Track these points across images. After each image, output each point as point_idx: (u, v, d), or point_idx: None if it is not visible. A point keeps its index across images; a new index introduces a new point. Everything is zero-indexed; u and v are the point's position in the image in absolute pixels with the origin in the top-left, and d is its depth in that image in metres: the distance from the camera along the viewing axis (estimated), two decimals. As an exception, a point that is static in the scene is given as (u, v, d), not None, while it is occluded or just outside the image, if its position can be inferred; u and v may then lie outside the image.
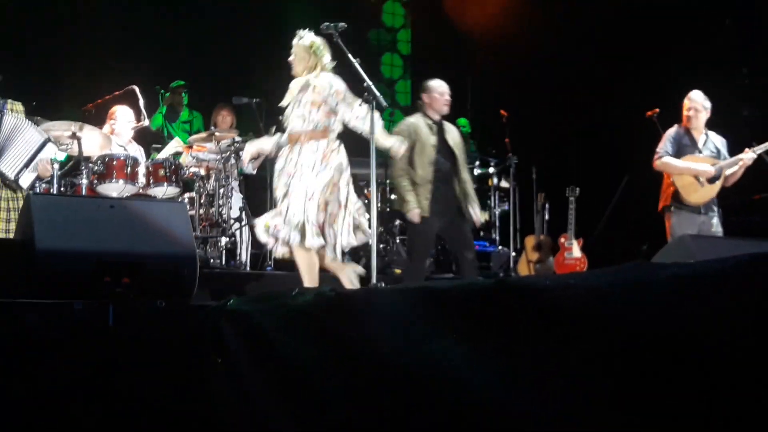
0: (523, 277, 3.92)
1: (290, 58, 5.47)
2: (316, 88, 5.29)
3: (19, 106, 5.76)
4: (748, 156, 6.37)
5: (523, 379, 2.23)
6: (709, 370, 1.81)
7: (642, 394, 1.91)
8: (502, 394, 2.27)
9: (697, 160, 6.48)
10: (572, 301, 2.08)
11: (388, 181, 8.27)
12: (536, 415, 2.18)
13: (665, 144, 6.54)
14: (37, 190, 5.95)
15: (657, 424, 1.90)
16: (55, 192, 5.99)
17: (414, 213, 6.20)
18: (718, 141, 6.61)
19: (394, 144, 5.54)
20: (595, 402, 2.01)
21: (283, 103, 5.41)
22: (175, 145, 7.64)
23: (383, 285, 4.89)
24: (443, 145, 6.40)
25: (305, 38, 5.43)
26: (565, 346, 2.14)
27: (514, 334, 2.29)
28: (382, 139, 5.47)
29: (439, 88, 6.48)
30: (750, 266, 1.85)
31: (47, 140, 5.70)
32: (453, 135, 6.52)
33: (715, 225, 6.52)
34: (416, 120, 6.44)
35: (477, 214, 6.45)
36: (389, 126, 9.16)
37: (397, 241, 8.50)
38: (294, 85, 5.41)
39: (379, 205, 7.99)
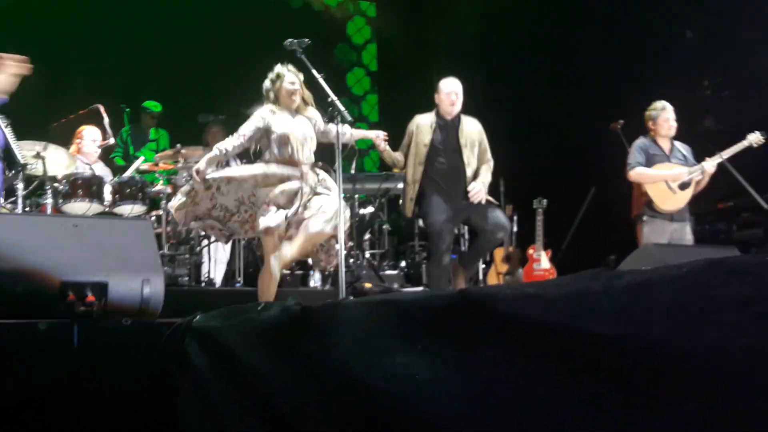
0: (484, 287, 3.92)
1: (299, 89, 5.58)
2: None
3: None
4: (709, 165, 6.49)
5: (487, 390, 2.24)
6: (667, 377, 1.83)
7: (603, 401, 1.93)
8: (466, 405, 2.28)
9: (669, 168, 6.58)
10: (532, 310, 2.10)
11: (357, 196, 8.30)
12: (501, 425, 2.19)
13: (635, 154, 6.64)
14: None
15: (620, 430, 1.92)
16: (19, 211, 5.94)
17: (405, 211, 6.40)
18: (683, 149, 6.75)
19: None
20: (556, 411, 2.03)
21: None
22: (139, 163, 7.63)
23: (351, 299, 4.90)
24: (449, 145, 6.27)
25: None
26: (526, 355, 2.15)
27: (477, 344, 2.30)
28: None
29: (444, 88, 6.37)
30: (705, 272, 1.87)
31: None
32: (466, 133, 6.33)
33: (687, 233, 6.62)
34: (423, 119, 6.38)
35: (475, 188, 6.15)
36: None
37: (367, 255, 8.50)
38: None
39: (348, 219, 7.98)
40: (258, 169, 5.41)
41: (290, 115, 5.57)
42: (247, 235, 5.84)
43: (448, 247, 6.25)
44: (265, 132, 5.48)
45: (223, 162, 5.75)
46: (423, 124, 6.34)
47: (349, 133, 5.68)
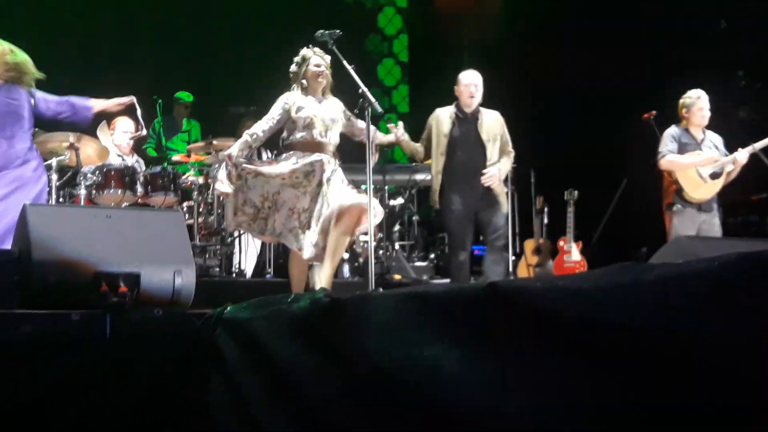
0: (513, 280, 3.92)
1: (325, 71, 5.60)
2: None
3: None
4: (741, 155, 6.44)
5: (515, 382, 2.24)
6: (695, 371, 1.81)
7: (629, 396, 1.92)
8: (494, 397, 2.28)
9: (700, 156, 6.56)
10: (561, 303, 2.09)
11: (386, 187, 8.29)
12: (528, 417, 2.18)
13: (667, 143, 6.61)
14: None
15: (646, 425, 1.91)
16: (53, 202, 6.01)
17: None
18: (715, 138, 6.71)
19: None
20: (584, 404, 2.02)
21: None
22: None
23: (381, 291, 4.89)
24: (469, 138, 6.25)
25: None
26: (556, 348, 2.14)
27: (505, 337, 2.29)
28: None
29: (464, 80, 6.33)
30: (737, 266, 1.85)
31: None
32: (488, 127, 6.28)
33: (716, 225, 6.57)
34: (442, 111, 6.36)
35: (490, 171, 6.14)
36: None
37: (396, 247, 8.50)
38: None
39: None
40: (284, 167, 5.43)
41: (317, 98, 5.61)
42: (265, 234, 5.65)
43: (461, 242, 6.28)
44: (290, 114, 5.52)
45: (254, 148, 5.79)
46: (442, 116, 6.32)
47: (373, 132, 5.61)
